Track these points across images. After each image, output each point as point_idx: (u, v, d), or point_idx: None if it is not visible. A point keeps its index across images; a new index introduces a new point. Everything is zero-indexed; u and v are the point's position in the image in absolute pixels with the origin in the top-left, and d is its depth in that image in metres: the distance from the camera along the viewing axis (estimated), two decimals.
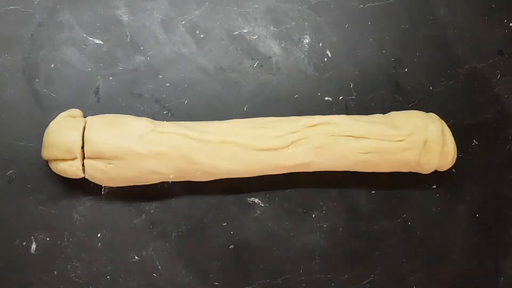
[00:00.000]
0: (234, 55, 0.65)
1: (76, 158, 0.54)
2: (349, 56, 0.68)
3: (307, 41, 0.68)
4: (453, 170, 0.64)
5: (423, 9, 0.71)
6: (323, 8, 0.69)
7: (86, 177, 0.55)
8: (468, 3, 0.72)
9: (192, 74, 0.64)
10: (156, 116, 0.61)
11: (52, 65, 0.61)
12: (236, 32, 0.65)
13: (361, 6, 0.70)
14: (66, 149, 0.53)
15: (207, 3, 0.65)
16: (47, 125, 0.56)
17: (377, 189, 0.63)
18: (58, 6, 0.62)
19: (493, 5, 0.72)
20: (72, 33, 0.62)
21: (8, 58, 0.60)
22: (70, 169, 0.54)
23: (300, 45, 0.67)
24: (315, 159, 0.58)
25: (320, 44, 0.68)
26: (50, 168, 0.56)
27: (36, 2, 0.62)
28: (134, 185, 0.57)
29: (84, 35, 0.62)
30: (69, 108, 0.58)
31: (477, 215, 0.64)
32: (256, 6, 0.66)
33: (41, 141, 0.56)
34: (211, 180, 0.59)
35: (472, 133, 0.67)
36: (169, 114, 0.62)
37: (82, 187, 0.58)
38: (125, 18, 0.63)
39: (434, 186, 0.64)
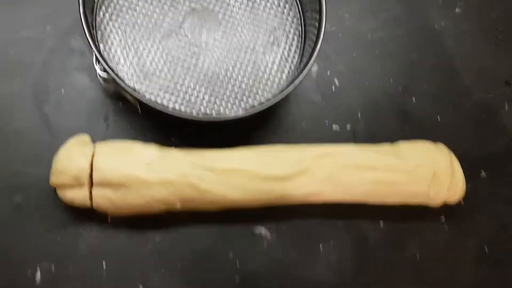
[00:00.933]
0: None
1: (84, 185, 0.54)
2: (356, 85, 0.68)
3: (315, 69, 0.68)
4: (462, 202, 0.64)
5: (431, 39, 0.72)
6: (330, 37, 0.69)
7: (93, 207, 0.55)
8: (475, 35, 0.73)
9: None
10: (164, 142, 0.61)
11: (63, 91, 0.61)
12: None
13: (369, 35, 0.70)
14: (74, 176, 0.54)
15: None
16: (55, 151, 0.56)
17: (385, 221, 0.63)
18: (70, 33, 0.63)
19: (500, 37, 0.73)
20: (83, 59, 0.63)
21: (19, 84, 0.61)
22: (78, 197, 0.54)
23: (307, 73, 0.67)
24: (323, 189, 0.58)
25: (328, 73, 0.68)
26: (57, 196, 0.56)
27: (49, 29, 0.63)
28: (140, 214, 0.57)
29: (95, 61, 0.62)
30: (78, 134, 0.59)
31: (486, 248, 0.64)
32: None
33: (49, 167, 0.56)
34: (218, 209, 0.58)
35: (480, 164, 0.67)
36: (177, 141, 0.62)
37: (89, 215, 0.57)
38: None
39: (443, 219, 0.64)
